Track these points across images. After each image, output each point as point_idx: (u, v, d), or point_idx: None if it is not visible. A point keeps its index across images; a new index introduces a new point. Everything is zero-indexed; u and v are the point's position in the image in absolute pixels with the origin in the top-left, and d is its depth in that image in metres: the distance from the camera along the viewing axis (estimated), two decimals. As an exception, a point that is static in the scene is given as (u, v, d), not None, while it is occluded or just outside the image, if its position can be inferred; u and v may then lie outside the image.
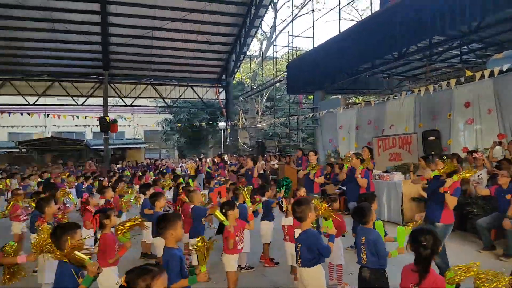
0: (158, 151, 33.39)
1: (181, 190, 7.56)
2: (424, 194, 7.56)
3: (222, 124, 22.92)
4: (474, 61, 11.99)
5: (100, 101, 19.32)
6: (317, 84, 14.01)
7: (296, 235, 3.45)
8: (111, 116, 18.81)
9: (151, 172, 15.96)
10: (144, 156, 29.03)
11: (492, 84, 8.30)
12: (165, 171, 16.16)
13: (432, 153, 9.13)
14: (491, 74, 6.94)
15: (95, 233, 5.08)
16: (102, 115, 18.06)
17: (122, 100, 20.91)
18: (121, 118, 19.73)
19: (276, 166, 12.95)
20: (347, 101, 13.84)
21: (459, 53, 11.66)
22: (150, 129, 30.26)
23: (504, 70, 6.86)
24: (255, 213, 5.26)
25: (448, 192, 4.37)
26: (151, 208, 5.83)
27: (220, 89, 22.82)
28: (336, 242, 4.01)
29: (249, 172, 9.63)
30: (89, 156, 24.81)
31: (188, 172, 17.53)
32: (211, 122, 24.61)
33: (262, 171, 12.53)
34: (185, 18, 17.34)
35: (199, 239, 3.10)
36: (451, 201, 4.41)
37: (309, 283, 3.37)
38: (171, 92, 22.15)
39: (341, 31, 12.67)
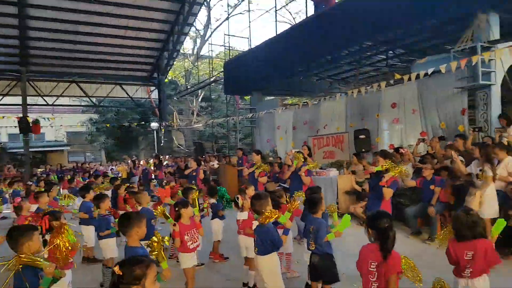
0: (83, 153, 31.42)
1: (123, 193, 7.30)
2: (358, 188, 8.23)
3: (154, 125, 22.21)
4: (398, 65, 13.05)
5: (17, 100, 17.71)
6: (254, 84, 14.26)
7: (254, 227, 3.59)
8: (31, 116, 17.33)
9: (80, 177, 15.02)
10: (67, 159, 27.13)
11: (416, 87, 9.12)
12: (94, 174, 15.37)
13: (363, 150, 9.85)
14: (417, 76, 7.65)
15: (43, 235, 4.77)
16: (22, 115, 16.56)
17: (43, 99, 19.35)
18: (44, 118, 18.21)
19: (216, 166, 12.96)
20: (283, 102, 14.28)
21: (385, 57, 12.63)
22: (73, 130, 28.25)
23: (429, 73, 7.59)
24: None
25: (385, 186, 4.84)
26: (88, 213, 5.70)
27: (152, 88, 22.14)
28: (287, 233, 4.23)
29: (193, 173, 9.53)
30: (5, 160, 22.60)
31: (120, 175, 16.78)
32: (142, 123, 23.71)
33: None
34: (112, 13, 16.58)
35: (154, 237, 3.08)
36: (388, 192, 4.89)
37: (264, 270, 3.55)
38: (97, 90, 20.93)
39: (277, 33, 13.03)
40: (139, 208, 5.43)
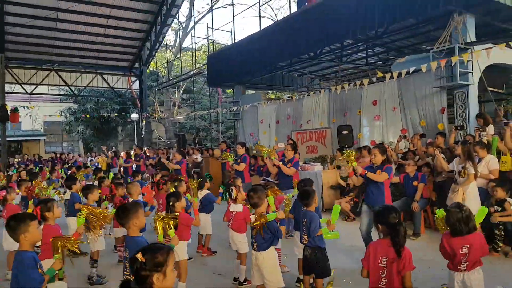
0: (60, 143, 30.73)
1: (109, 184, 7.28)
2: (342, 183, 8.46)
3: (134, 116, 21.93)
4: (377, 63, 13.37)
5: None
6: (238, 78, 14.33)
7: (252, 220, 3.67)
8: (8, 104, 16.85)
9: (60, 168, 14.76)
10: (44, 149, 26.49)
11: (396, 85, 9.40)
12: (73, 165, 15.15)
13: (346, 145, 10.10)
14: (399, 75, 7.92)
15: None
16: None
17: (22, 86, 18.85)
18: (24, 107, 17.73)
19: (199, 159, 12.98)
20: (266, 96, 14.40)
21: (365, 55, 12.92)
22: (51, 119, 27.51)
23: (411, 72, 7.87)
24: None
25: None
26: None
27: (133, 78, 21.86)
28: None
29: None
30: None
31: (99, 166, 16.59)
32: (123, 113, 23.38)
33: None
34: (95, 1, 16.27)
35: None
36: (382, 176, 4.83)
37: (264, 265, 3.64)
38: (78, 80, 20.57)
39: (260, 28, 13.11)
40: (130, 199, 5.46)
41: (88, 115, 22.61)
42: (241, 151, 8.27)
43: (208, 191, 6.16)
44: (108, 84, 21.21)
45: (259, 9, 13.66)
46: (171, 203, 4.26)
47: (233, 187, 4.70)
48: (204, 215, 5.94)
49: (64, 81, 20.02)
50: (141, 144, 20.17)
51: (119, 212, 3.18)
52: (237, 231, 4.54)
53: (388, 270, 2.74)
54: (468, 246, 3.03)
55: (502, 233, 5.22)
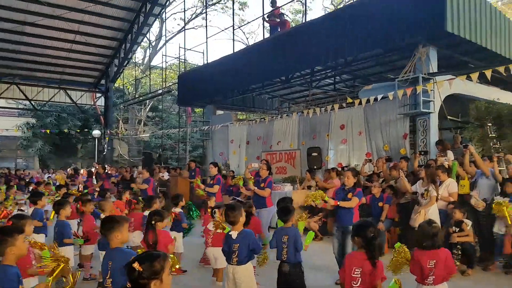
0: (13, 159, 29.22)
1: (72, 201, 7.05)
2: (312, 203, 8.66)
3: (96, 132, 21.41)
4: (344, 90, 13.97)
5: None
6: (209, 98, 14.47)
7: (234, 236, 3.77)
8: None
9: (15, 184, 14.03)
10: (-5, 165, 25.08)
11: (363, 111, 9.87)
12: (31, 181, 14.49)
13: (315, 167, 10.41)
14: (368, 101, 8.38)
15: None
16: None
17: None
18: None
19: (166, 177, 12.85)
20: (237, 117, 14.59)
21: (333, 81, 13.49)
22: (4, 134, 26.19)
23: (379, 99, 8.34)
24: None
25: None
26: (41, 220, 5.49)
27: (98, 95, 21.44)
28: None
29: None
30: None
31: (58, 183, 15.95)
32: (86, 130, 22.73)
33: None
34: (63, 16, 15.99)
35: None
36: (354, 201, 5.11)
37: (242, 279, 3.73)
38: (39, 94, 19.94)
39: (234, 51, 13.41)
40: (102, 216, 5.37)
41: (48, 131, 21.81)
42: (213, 171, 8.32)
43: (181, 210, 6.16)
44: (72, 99, 20.69)
45: (233, 33, 14.02)
46: (153, 222, 4.23)
47: (216, 209, 4.75)
48: (175, 233, 5.91)
49: (25, 95, 19.33)
50: (103, 161, 19.64)
51: (105, 222, 3.18)
52: (218, 246, 4.58)
53: (362, 280, 2.95)
54: (435, 261, 3.24)
55: (460, 252, 5.56)
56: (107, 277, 2.92)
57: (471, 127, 8.70)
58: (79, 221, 6.90)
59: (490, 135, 7.96)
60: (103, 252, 4.77)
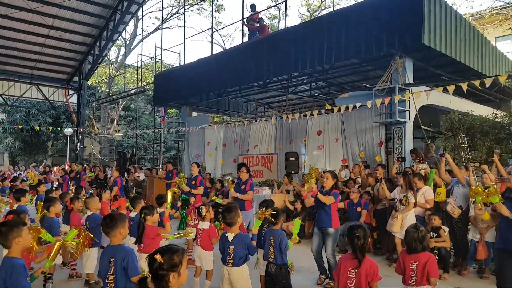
0: (-21, 156, 27.96)
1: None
2: (290, 206, 8.84)
3: (68, 130, 20.84)
4: (319, 96, 14.24)
5: None
6: (185, 99, 14.40)
7: (230, 239, 3.85)
8: None
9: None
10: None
11: (339, 118, 10.11)
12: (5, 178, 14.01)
13: (292, 171, 10.57)
14: (347, 108, 8.61)
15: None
16: None
17: None
18: None
19: (142, 178, 12.69)
20: (214, 119, 14.57)
21: (309, 88, 13.73)
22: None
23: (357, 107, 8.58)
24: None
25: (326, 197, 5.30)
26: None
27: (71, 92, 20.89)
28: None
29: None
30: None
31: (30, 181, 15.45)
32: (57, 128, 22.07)
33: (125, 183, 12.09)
34: (37, 10, 15.53)
35: None
36: (328, 199, 5.26)
37: (238, 280, 3.83)
38: (10, 89, 19.25)
39: (212, 53, 13.41)
40: (88, 213, 5.36)
41: (20, 127, 21.11)
42: (195, 171, 8.34)
43: (163, 211, 6.14)
44: (44, 96, 20.08)
45: (212, 35, 14.01)
46: (142, 215, 4.37)
47: (203, 206, 4.82)
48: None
49: (-6, 89, 18.61)
50: (75, 160, 19.16)
51: (107, 220, 3.21)
52: (205, 249, 4.65)
53: (357, 280, 3.12)
54: (417, 263, 3.45)
55: (437, 257, 5.83)
56: (109, 273, 2.97)
57: (444, 137, 9.08)
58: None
59: (463, 145, 8.34)
60: (90, 249, 4.79)
